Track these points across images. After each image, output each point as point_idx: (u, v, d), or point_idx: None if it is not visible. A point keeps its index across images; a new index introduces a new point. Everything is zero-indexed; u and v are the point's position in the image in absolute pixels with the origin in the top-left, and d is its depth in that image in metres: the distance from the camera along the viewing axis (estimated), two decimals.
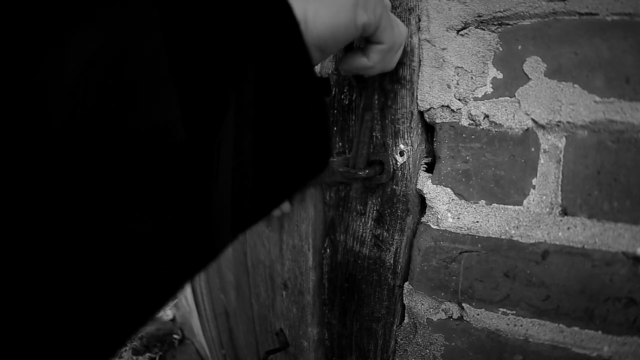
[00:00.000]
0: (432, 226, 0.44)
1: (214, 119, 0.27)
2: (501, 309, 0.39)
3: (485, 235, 0.40)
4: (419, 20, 0.45)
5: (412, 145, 0.46)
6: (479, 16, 0.41)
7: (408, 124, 0.46)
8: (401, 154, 0.47)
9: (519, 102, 0.39)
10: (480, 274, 0.41)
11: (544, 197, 0.38)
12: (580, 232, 0.36)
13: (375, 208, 0.50)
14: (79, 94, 0.19)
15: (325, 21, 0.33)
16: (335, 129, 0.55)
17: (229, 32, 0.26)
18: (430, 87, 0.44)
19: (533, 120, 0.38)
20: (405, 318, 0.47)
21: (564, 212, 0.37)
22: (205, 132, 0.27)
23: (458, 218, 0.42)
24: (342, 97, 0.51)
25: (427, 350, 0.44)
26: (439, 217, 0.44)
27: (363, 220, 0.52)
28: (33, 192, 0.18)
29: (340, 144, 0.54)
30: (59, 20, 0.18)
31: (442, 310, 0.44)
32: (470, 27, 0.42)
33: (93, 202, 0.20)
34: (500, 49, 0.40)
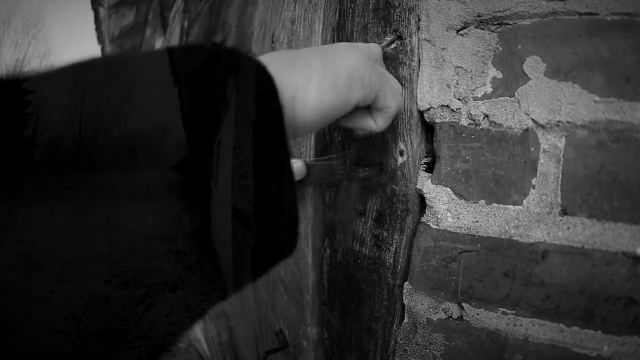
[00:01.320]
0: (432, 226, 0.44)
1: (212, 121, 0.27)
2: (501, 309, 0.39)
3: (485, 235, 0.40)
4: (419, 20, 0.45)
5: (412, 145, 0.46)
6: (479, 16, 0.41)
7: (408, 124, 0.46)
8: (401, 154, 0.47)
9: (519, 102, 0.39)
10: (480, 274, 0.41)
11: (544, 197, 0.38)
12: (580, 232, 0.36)
13: (375, 208, 0.50)
14: (77, 94, 0.19)
15: (314, 103, 0.31)
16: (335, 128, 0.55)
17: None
18: (430, 87, 0.44)
19: (533, 120, 0.38)
20: (405, 318, 0.47)
21: (564, 212, 0.37)
22: (205, 132, 0.27)
23: (458, 218, 0.42)
24: None
25: (427, 350, 0.44)
26: (439, 217, 0.43)
27: (363, 220, 0.52)
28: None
29: (341, 143, 0.54)
30: None
31: (442, 310, 0.44)
32: (470, 27, 0.42)
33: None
34: (500, 49, 0.40)
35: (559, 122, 0.37)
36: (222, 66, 0.27)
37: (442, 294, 0.43)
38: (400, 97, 0.41)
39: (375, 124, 0.40)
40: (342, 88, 0.33)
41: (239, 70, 0.27)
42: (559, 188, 0.37)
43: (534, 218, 0.38)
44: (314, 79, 0.31)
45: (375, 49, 0.42)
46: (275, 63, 0.30)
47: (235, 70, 0.27)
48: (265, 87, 0.28)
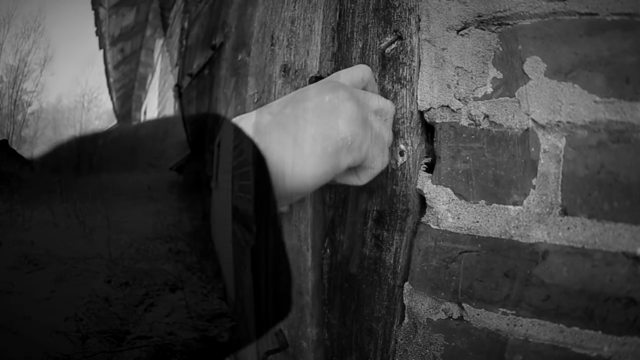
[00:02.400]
0: (432, 226, 0.44)
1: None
2: (501, 309, 0.39)
3: (485, 235, 0.40)
4: (419, 20, 0.45)
5: (412, 145, 0.46)
6: (479, 16, 0.41)
7: (408, 124, 0.46)
8: (401, 154, 0.47)
9: (519, 102, 0.39)
10: (480, 274, 0.41)
11: (544, 197, 0.38)
12: (580, 232, 0.36)
13: (375, 208, 0.50)
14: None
15: (303, 173, 0.32)
16: None
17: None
18: (430, 87, 0.44)
19: (533, 120, 0.38)
20: (405, 318, 0.47)
21: (564, 212, 0.37)
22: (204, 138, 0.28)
23: (458, 218, 0.42)
24: None
25: (427, 350, 0.44)
26: (439, 217, 0.43)
27: (363, 220, 0.52)
28: None
29: None
30: None
31: (442, 310, 0.44)
32: (470, 27, 0.42)
33: None
34: (500, 49, 0.40)
35: (559, 122, 0.37)
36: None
37: (442, 294, 0.43)
38: (387, 155, 0.41)
39: (358, 179, 0.40)
40: (334, 156, 0.33)
41: (242, 151, 0.29)
42: (559, 188, 0.37)
43: (534, 218, 0.38)
44: (308, 151, 0.32)
45: (361, 74, 0.41)
46: (269, 131, 0.31)
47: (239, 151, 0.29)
48: (259, 167, 0.29)
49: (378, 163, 0.39)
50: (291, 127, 0.32)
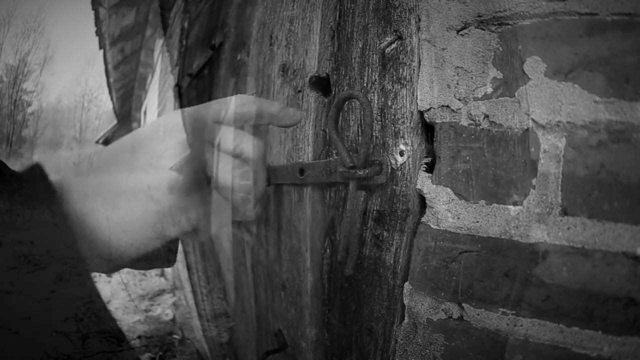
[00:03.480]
0: (432, 226, 0.44)
1: None
2: (501, 309, 0.39)
3: (485, 235, 0.40)
4: (419, 20, 0.45)
5: (412, 145, 0.46)
6: (479, 16, 0.41)
7: (408, 124, 0.46)
8: (401, 154, 0.47)
9: (519, 102, 0.39)
10: (480, 274, 0.41)
11: (544, 197, 0.38)
12: (580, 232, 0.36)
13: (375, 208, 0.50)
14: None
15: (117, 232, 0.32)
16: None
17: None
18: (430, 87, 0.44)
19: (533, 120, 0.38)
20: (405, 318, 0.47)
21: (564, 212, 0.37)
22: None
23: (458, 218, 0.42)
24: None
25: (427, 350, 0.44)
26: (439, 217, 0.43)
27: (363, 220, 0.52)
28: None
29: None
30: None
31: (442, 310, 0.44)
32: (470, 27, 0.42)
33: None
34: (500, 49, 0.40)
35: (559, 122, 0.37)
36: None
37: (442, 294, 0.43)
38: (253, 202, 0.39)
39: (198, 236, 0.39)
40: (152, 222, 0.33)
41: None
42: (559, 188, 0.37)
43: (534, 218, 0.38)
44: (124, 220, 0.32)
45: (241, 109, 0.36)
46: (90, 193, 0.31)
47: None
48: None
49: (208, 231, 0.38)
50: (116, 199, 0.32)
